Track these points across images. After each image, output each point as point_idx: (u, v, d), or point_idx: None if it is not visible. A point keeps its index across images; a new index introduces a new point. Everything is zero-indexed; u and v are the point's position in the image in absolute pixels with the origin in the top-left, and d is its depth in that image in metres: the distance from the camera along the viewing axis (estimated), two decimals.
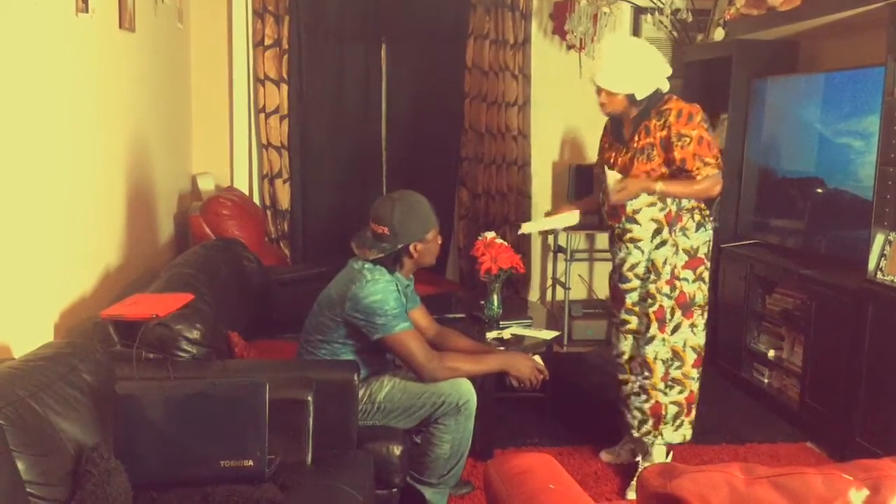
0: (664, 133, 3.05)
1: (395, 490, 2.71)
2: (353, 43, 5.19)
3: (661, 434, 3.24)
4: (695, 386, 3.25)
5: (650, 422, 3.23)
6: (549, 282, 5.56)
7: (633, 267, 3.21)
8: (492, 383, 3.37)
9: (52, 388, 1.93)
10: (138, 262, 3.62)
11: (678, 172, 3.08)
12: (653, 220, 3.14)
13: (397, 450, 2.69)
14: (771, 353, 4.21)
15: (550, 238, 5.48)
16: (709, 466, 1.26)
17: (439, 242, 2.96)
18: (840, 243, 3.92)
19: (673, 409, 3.23)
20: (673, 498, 1.21)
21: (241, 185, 5.13)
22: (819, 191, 4.10)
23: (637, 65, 3.06)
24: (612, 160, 3.21)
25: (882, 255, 3.37)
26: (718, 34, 4.82)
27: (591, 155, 3.72)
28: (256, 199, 5.14)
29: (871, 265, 3.40)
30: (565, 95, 5.19)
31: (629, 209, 3.15)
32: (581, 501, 1.63)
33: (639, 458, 3.35)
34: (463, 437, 2.82)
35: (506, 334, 3.52)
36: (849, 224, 3.81)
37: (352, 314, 2.77)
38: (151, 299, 2.75)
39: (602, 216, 3.35)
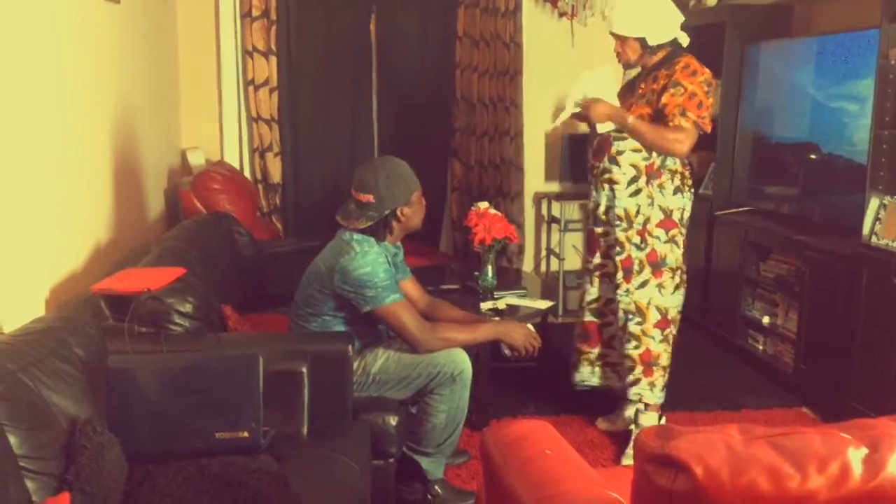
0: (666, 81, 3.09)
1: (391, 460, 2.71)
2: (342, 12, 5.12)
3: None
4: (657, 347, 3.23)
5: (639, 368, 3.24)
6: (544, 252, 5.54)
7: (606, 210, 3.24)
8: (487, 354, 3.37)
9: (43, 362, 1.91)
10: (129, 237, 3.59)
11: (658, 117, 3.10)
12: (632, 165, 3.16)
13: (393, 420, 2.68)
14: (765, 320, 4.22)
15: (545, 208, 5.45)
16: (706, 428, 1.26)
17: (424, 204, 2.93)
18: (834, 208, 3.91)
19: (627, 363, 3.25)
20: (670, 459, 1.20)
21: (232, 159, 5.08)
22: (813, 156, 4.08)
23: (647, 8, 3.12)
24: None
25: (876, 219, 3.37)
26: (711, 0, 4.77)
27: (584, 125, 3.68)
28: (247, 173, 5.09)
29: (866, 230, 3.39)
30: (557, 64, 5.14)
31: (614, 149, 3.17)
32: (577, 466, 1.62)
33: (632, 427, 3.35)
34: (458, 407, 2.82)
35: (500, 304, 3.51)
36: (843, 189, 3.80)
37: (341, 286, 2.75)
38: (143, 273, 2.72)
39: (582, 170, 3.40)
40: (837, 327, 3.57)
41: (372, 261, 2.73)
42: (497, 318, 3.31)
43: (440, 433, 2.82)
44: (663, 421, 3.36)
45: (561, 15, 5.19)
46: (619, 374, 3.40)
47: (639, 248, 3.18)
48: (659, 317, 3.22)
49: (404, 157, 2.94)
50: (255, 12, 4.91)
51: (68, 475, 1.78)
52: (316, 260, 2.90)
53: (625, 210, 3.18)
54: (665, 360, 3.26)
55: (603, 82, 3.19)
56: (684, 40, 3.19)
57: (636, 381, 3.25)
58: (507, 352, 2.98)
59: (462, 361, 2.78)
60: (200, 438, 2.14)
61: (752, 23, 4.55)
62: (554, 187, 5.44)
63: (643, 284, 3.20)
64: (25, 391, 1.80)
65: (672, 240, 3.19)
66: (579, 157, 4.65)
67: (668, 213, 3.18)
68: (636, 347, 3.24)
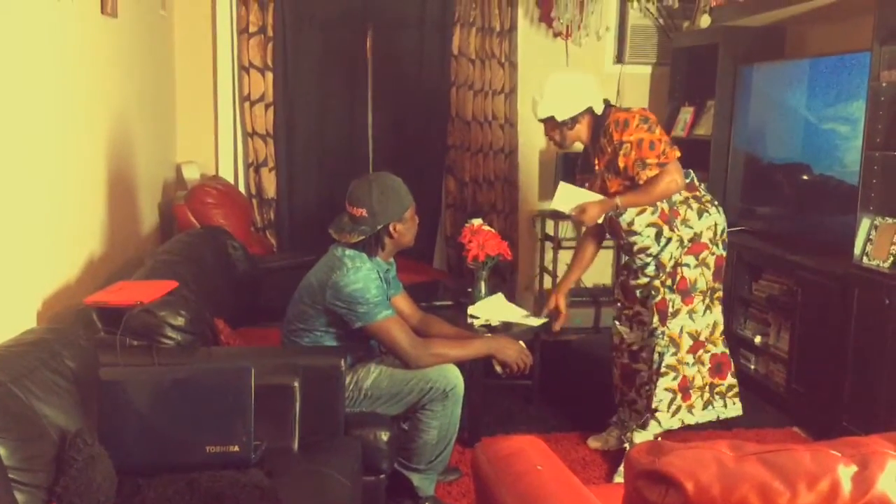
0: (612, 147, 3.10)
1: (382, 476, 2.70)
2: (338, 30, 5.15)
3: (659, 421, 3.22)
4: (690, 371, 3.23)
5: (679, 396, 3.22)
6: (537, 270, 5.55)
7: (644, 267, 3.26)
8: (479, 371, 3.37)
9: (34, 373, 1.91)
10: (122, 250, 3.59)
11: (627, 180, 3.12)
12: (650, 225, 3.17)
13: (385, 436, 2.68)
14: (757, 339, 4.23)
15: (538, 226, 5.47)
16: (697, 444, 1.26)
17: (416, 221, 2.94)
18: (826, 229, 3.93)
19: (667, 396, 3.21)
20: (662, 475, 1.20)
21: (227, 173, 5.09)
22: (805, 177, 4.11)
23: (556, 92, 3.15)
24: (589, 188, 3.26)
25: (868, 239, 3.39)
26: (705, 21, 4.82)
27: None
28: (242, 188, 5.10)
29: (857, 250, 3.41)
30: None
31: (624, 224, 3.20)
32: (569, 482, 1.62)
33: (626, 445, 3.35)
34: (450, 423, 2.81)
35: (493, 321, 3.51)
36: (835, 209, 3.83)
37: (333, 302, 2.75)
38: (135, 286, 2.72)
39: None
40: (829, 347, 3.58)
41: (364, 277, 2.73)
42: (489, 335, 3.31)
43: (432, 449, 2.82)
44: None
45: (556, 35, 5.23)
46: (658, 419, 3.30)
47: (671, 289, 3.17)
48: (691, 342, 3.21)
49: (399, 173, 2.95)
50: (252, 29, 4.93)
51: (58, 487, 1.78)
52: (308, 275, 2.90)
53: (658, 260, 3.20)
54: (700, 380, 3.25)
55: (569, 194, 3.24)
56: (599, 108, 3.17)
57: (677, 410, 3.24)
58: (498, 369, 2.98)
59: (454, 378, 2.78)
60: (191, 452, 2.14)
61: (744, 44, 4.59)
62: (548, 205, 5.45)
63: (675, 315, 3.18)
64: (16, 402, 1.80)
65: (702, 262, 3.18)
66: (572, 176, 4.67)
67: (696, 239, 3.17)
68: (674, 378, 3.21)
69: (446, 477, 3.13)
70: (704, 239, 3.18)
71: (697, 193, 3.22)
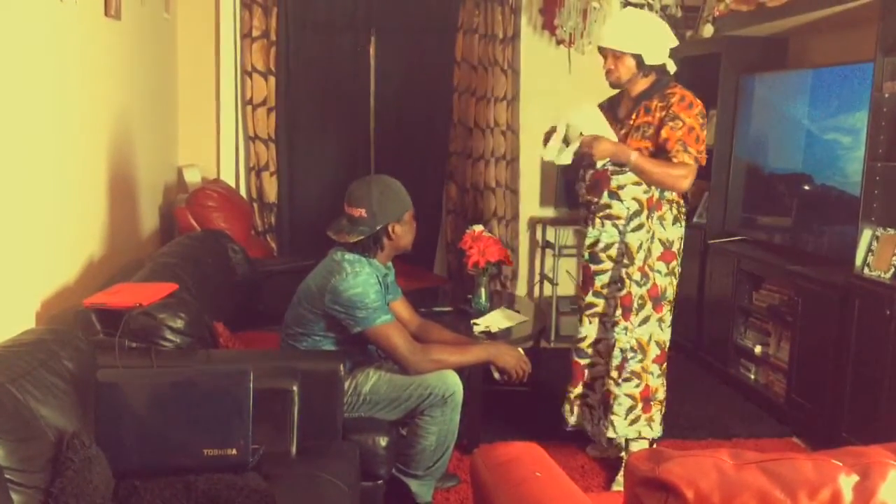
0: (663, 114, 3.03)
1: (380, 482, 2.69)
2: (341, 35, 5.16)
3: (614, 425, 3.17)
4: (654, 382, 3.18)
5: (639, 406, 3.16)
6: (537, 277, 5.55)
7: (607, 247, 3.14)
8: (479, 377, 3.36)
9: (32, 374, 1.90)
10: (122, 252, 3.59)
11: (658, 153, 3.05)
12: (635, 199, 3.08)
13: (383, 441, 2.67)
14: (758, 349, 4.22)
15: (539, 233, 5.47)
16: (697, 451, 1.25)
17: (415, 225, 2.93)
18: (827, 239, 3.92)
19: (627, 402, 3.16)
20: (661, 482, 1.19)
21: (228, 177, 5.09)
22: (807, 187, 4.11)
23: (644, 27, 3.06)
24: None
25: (869, 250, 3.38)
26: (707, 31, 4.82)
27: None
28: (243, 192, 5.10)
29: (858, 261, 3.41)
30: (554, 91, 5.17)
31: (614, 184, 3.09)
32: (567, 489, 1.61)
33: (622, 454, 3.33)
34: (449, 429, 2.80)
35: (494, 328, 3.50)
36: (836, 220, 3.82)
37: (331, 307, 2.75)
38: (135, 288, 2.72)
39: (577, 196, 3.30)
40: (829, 358, 3.57)
41: (363, 282, 2.73)
42: (488, 341, 3.30)
43: (430, 455, 2.81)
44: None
45: (559, 43, 5.23)
46: (593, 418, 3.33)
47: (639, 284, 3.09)
48: (658, 352, 3.17)
49: (400, 178, 2.94)
50: (255, 33, 4.94)
51: (54, 488, 1.77)
52: (307, 279, 2.89)
53: (627, 246, 3.09)
54: (661, 393, 3.22)
55: (595, 118, 3.08)
56: (672, 67, 3.13)
57: (636, 419, 3.18)
58: (497, 375, 2.96)
59: (453, 384, 2.77)
60: (188, 455, 2.12)
61: (747, 54, 4.59)
62: (549, 212, 5.46)
63: (645, 321, 3.12)
64: (13, 402, 1.79)
65: (672, 272, 3.14)
66: (574, 184, 4.67)
67: (668, 245, 3.11)
68: (636, 385, 3.15)
69: (444, 483, 3.11)
70: (675, 248, 3.14)
71: (680, 202, 3.17)
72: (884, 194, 3.38)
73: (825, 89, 3.96)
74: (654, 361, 3.17)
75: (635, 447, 3.24)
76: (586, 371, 3.30)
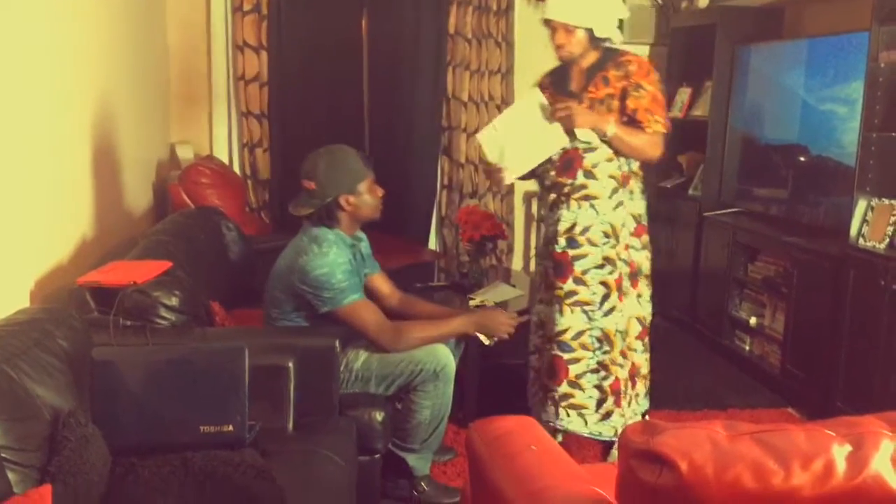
0: (625, 83, 2.92)
1: (377, 456, 2.71)
2: (333, 9, 5.11)
3: (585, 420, 3.02)
4: (639, 357, 3.09)
5: (610, 400, 3.01)
6: (533, 251, 5.54)
7: (585, 230, 2.95)
8: (476, 352, 3.36)
9: (27, 353, 1.90)
10: (116, 230, 3.57)
11: (627, 123, 2.94)
12: (611, 176, 2.95)
13: (379, 416, 2.67)
14: (753, 321, 4.23)
15: (534, 207, 5.45)
16: (691, 423, 1.25)
17: (379, 195, 2.87)
18: (823, 210, 3.92)
19: (596, 394, 3.03)
20: (655, 454, 1.20)
21: (221, 153, 5.06)
22: (802, 158, 4.10)
23: None
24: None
25: (864, 221, 3.38)
26: (703, 1, 4.79)
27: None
28: (236, 168, 5.07)
29: (853, 231, 3.41)
30: (548, 63, 5.11)
31: (587, 163, 2.93)
32: (562, 462, 1.62)
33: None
34: (443, 402, 2.80)
35: (489, 301, 3.50)
36: (831, 191, 3.82)
37: (300, 286, 2.73)
38: (129, 266, 2.71)
39: (541, 181, 3.10)
40: (824, 329, 3.58)
41: (331, 262, 2.70)
42: (471, 310, 3.24)
43: (425, 429, 2.82)
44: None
45: None
46: (584, 418, 3.05)
47: (626, 262, 2.99)
48: (640, 328, 3.08)
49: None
50: (247, 7, 4.88)
51: (51, 467, 1.77)
52: (278, 260, 2.87)
53: (611, 225, 2.95)
54: (646, 368, 3.15)
55: (530, 115, 2.95)
56: (618, 38, 2.98)
57: (608, 414, 3.03)
58: (485, 340, 2.92)
59: (444, 357, 2.76)
60: (185, 432, 2.13)
61: (742, 25, 4.56)
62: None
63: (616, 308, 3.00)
64: (9, 382, 1.79)
65: (645, 246, 3.06)
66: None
67: (638, 219, 3.03)
68: (605, 378, 3.00)
69: (441, 457, 3.13)
70: (644, 221, 3.05)
71: (641, 174, 3.08)
72: (879, 164, 3.37)
73: (821, 59, 3.94)
74: (637, 338, 3.07)
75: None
76: (570, 367, 3.01)
